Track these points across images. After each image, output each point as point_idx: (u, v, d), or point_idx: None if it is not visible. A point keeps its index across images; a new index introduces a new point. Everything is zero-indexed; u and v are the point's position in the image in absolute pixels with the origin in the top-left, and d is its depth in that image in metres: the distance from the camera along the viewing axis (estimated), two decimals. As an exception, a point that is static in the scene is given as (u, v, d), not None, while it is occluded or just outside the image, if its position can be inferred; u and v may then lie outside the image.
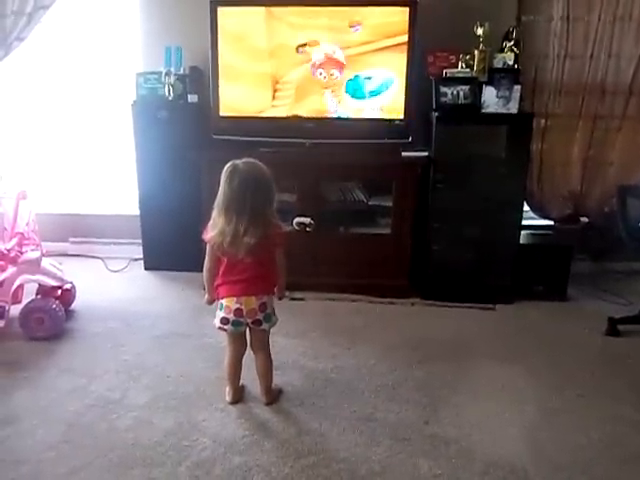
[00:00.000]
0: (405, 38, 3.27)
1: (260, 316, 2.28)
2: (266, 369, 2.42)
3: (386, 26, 3.27)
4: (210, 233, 2.20)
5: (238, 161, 2.18)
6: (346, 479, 2.01)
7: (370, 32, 3.29)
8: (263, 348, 2.40)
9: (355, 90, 3.34)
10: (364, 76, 3.34)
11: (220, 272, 2.29)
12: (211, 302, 2.37)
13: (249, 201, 2.13)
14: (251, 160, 2.21)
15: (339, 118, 3.45)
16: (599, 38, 3.45)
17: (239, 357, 2.42)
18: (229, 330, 2.32)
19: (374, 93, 3.36)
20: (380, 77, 3.33)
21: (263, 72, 3.37)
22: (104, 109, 4.02)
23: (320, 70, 3.03)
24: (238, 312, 2.25)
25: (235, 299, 2.25)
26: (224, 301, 2.28)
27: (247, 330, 2.36)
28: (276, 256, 2.29)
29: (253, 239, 2.13)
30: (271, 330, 2.37)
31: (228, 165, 2.18)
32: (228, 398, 2.44)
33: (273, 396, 2.45)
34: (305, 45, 3.07)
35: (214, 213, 2.20)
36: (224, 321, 2.29)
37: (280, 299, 2.42)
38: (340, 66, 3.05)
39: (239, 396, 2.46)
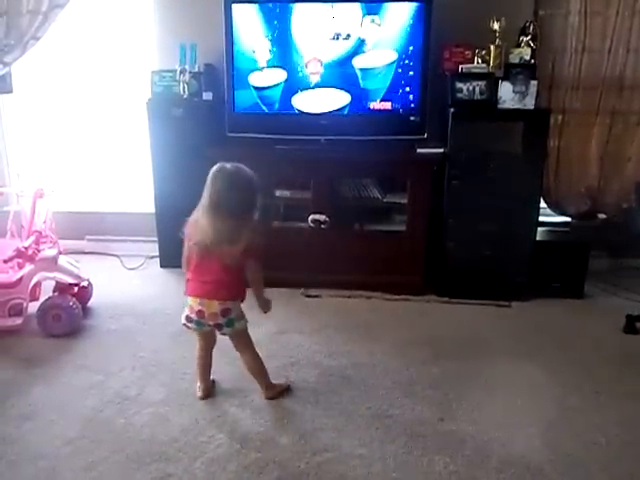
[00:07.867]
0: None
1: (221, 320, 2.26)
2: (255, 367, 2.42)
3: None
4: (190, 228, 2.22)
5: (226, 164, 2.18)
6: (361, 475, 2.01)
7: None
8: (245, 348, 2.40)
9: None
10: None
11: (191, 267, 2.28)
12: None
13: (226, 204, 2.12)
14: (237, 165, 2.19)
15: (354, 114, 3.44)
16: (617, 32, 3.41)
17: (207, 352, 2.44)
18: (192, 328, 2.33)
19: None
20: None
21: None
22: (119, 107, 4.05)
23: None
24: (200, 313, 2.25)
25: (198, 300, 2.25)
26: (189, 300, 2.28)
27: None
28: (246, 267, 2.24)
29: (225, 244, 2.13)
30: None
31: (214, 167, 2.18)
32: (199, 393, 2.45)
33: (274, 391, 2.45)
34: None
35: (198, 211, 2.20)
36: (188, 319, 2.30)
37: (265, 312, 2.37)
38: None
39: (209, 391, 2.46)
